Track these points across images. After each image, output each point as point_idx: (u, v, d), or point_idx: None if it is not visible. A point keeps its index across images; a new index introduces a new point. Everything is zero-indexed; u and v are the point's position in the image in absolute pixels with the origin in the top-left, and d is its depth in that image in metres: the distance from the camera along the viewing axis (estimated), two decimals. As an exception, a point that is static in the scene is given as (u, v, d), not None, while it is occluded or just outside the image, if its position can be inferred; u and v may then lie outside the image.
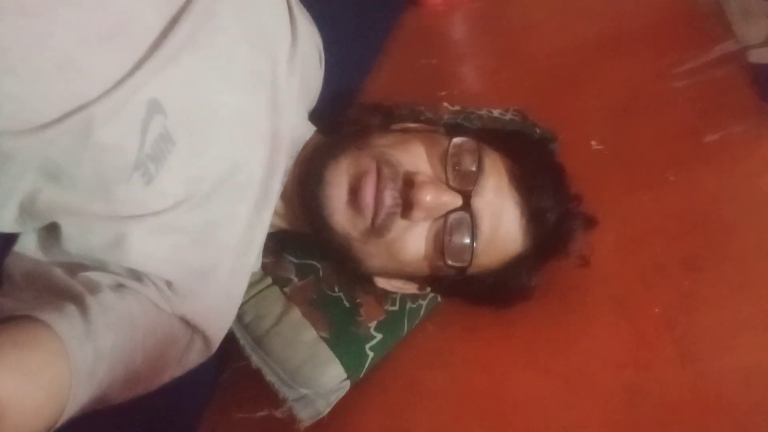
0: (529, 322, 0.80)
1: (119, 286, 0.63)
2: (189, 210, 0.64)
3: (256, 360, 0.77)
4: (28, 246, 0.61)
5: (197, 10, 0.61)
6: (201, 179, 0.65)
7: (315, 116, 0.84)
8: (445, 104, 1.02)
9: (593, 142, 0.98)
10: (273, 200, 0.72)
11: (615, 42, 1.04)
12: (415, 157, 0.71)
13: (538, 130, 0.97)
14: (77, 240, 0.60)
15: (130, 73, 0.56)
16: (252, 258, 0.72)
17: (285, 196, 0.74)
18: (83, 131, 0.55)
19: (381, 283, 0.78)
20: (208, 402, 0.79)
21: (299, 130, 0.75)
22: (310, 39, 0.80)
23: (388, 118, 0.96)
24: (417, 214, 0.68)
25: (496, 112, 1.02)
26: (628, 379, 0.71)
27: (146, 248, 0.62)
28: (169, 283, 0.64)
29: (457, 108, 1.02)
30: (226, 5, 0.65)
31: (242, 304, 0.75)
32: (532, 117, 0.99)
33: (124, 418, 0.65)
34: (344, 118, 0.96)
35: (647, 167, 0.91)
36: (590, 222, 0.78)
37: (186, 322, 0.66)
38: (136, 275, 0.63)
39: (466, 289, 0.78)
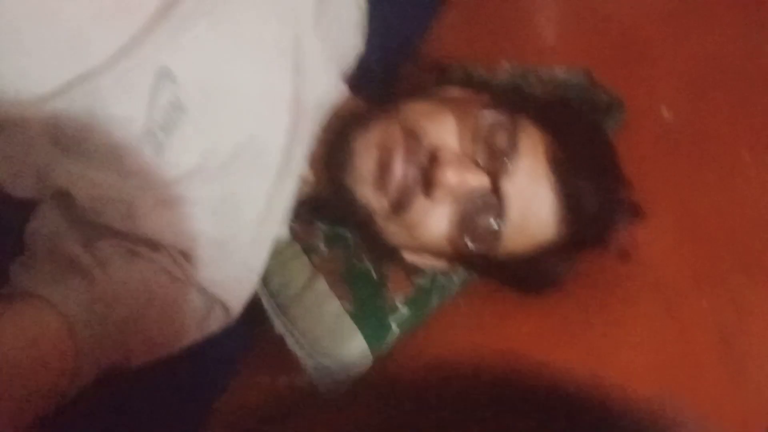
0: (564, 316, 0.75)
1: (133, 254, 0.63)
2: (204, 181, 0.63)
3: (279, 326, 0.76)
4: (48, 214, 0.62)
5: None
6: (215, 149, 0.63)
7: (361, 77, 0.81)
8: (504, 62, 0.95)
9: (664, 110, 0.89)
10: (296, 169, 0.70)
11: (702, 10, 0.93)
12: (444, 130, 0.67)
13: (604, 96, 0.90)
14: (92, 210, 0.60)
15: (138, 41, 0.55)
16: (274, 228, 0.71)
17: (313, 163, 0.72)
18: (90, 101, 0.55)
19: (408, 256, 0.75)
20: (233, 371, 0.80)
21: (328, 95, 0.72)
22: (344, 6, 0.75)
23: (441, 77, 0.92)
24: (438, 193, 0.64)
25: (559, 71, 0.94)
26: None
27: (160, 219, 0.62)
28: (184, 254, 0.64)
29: (516, 66, 0.95)
30: None
31: (268, 270, 0.74)
32: (600, 79, 0.91)
33: (148, 381, 0.67)
34: (395, 76, 0.93)
35: (720, 142, 0.82)
36: (637, 213, 0.72)
37: (204, 291, 0.66)
38: (152, 244, 0.63)
39: (492, 271, 0.74)
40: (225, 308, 0.68)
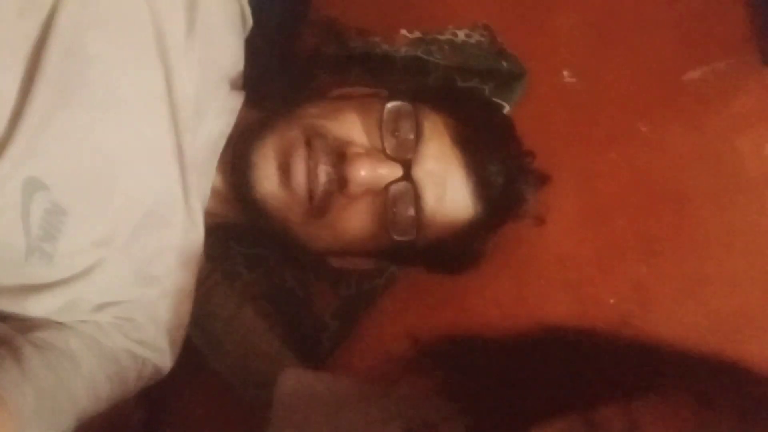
0: (482, 294, 0.79)
1: (56, 323, 0.61)
2: (109, 266, 0.60)
3: (211, 358, 0.77)
4: None
5: (55, 54, 0.53)
6: (112, 236, 0.60)
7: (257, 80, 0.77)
8: (403, 32, 0.92)
9: (566, 73, 0.90)
10: (198, 215, 0.68)
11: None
12: (348, 127, 0.66)
13: (504, 63, 0.89)
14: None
15: None
16: (191, 278, 0.70)
17: (219, 194, 0.70)
18: None
19: (335, 262, 0.76)
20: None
21: (220, 121, 0.69)
22: (220, 7, 0.70)
23: (341, 46, 0.89)
24: (353, 189, 0.64)
25: (461, 33, 0.93)
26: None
27: (79, 308, 0.60)
28: (115, 321, 0.63)
29: (416, 35, 0.93)
30: (93, 30, 0.56)
31: (193, 305, 0.74)
32: (500, 38, 0.90)
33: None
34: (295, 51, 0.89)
35: (620, 113, 0.84)
36: (543, 179, 0.75)
37: (132, 354, 0.66)
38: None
39: (418, 260, 0.76)
40: (155, 366, 0.68)
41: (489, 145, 0.69)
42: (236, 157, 0.67)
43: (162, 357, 0.67)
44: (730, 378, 0.48)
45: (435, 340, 0.74)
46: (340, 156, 0.64)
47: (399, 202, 0.66)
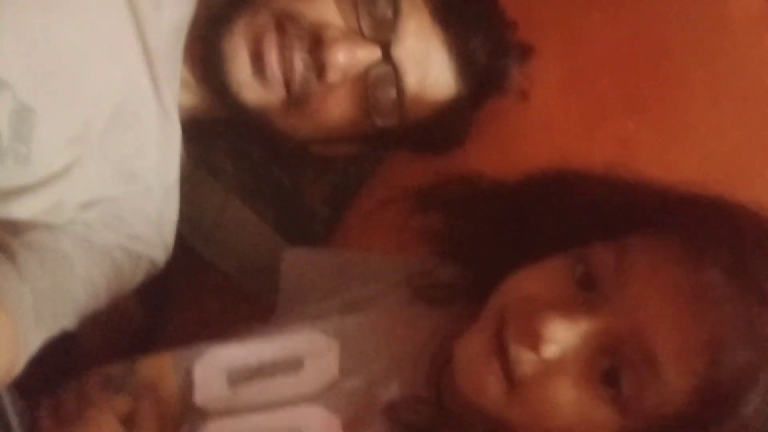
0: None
1: (45, 225, 0.60)
2: (88, 164, 0.59)
3: (206, 254, 0.77)
4: None
5: None
6: (85, 132, 0.59)
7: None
8: None
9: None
10: (172, 107, 0.66)
11: None
12: (322, 7, 0.64)
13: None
14: None
15: None
16: (173, 172, 0.69)
17: (190, 87, 0.68)
18: None
19: (319, 150, 0.75)
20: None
21: (177, 11, 0.66)
22: None
23: None
24: (332, 75, 0.63)
25: None
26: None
27: (68, 204, 0.59)
28: (103, 218, 0.63)
29: None
30: None
31: (180, 205, 0.73)
32: None
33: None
34: None
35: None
36: (527, 52, 0.72)
37: (125, 249, 0.66)
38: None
39: (403, 142, 0.75)
40: (150, 260, 0.68)
41: (470, 19, 0.66)
42: (205, 47, 0.65)
43: (155, 251, 0.67)
44: (720, 215, 0.48)
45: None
46: (316, 41, 0.62)
47: (380, 85, 0.64)
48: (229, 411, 0.56)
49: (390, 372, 0.55)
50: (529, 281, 0.50)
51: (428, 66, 0.65)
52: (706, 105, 0.70)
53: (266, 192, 0.77)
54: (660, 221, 0.48)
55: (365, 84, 0.64)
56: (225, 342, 0.59)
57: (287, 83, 0.62)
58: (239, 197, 0.76)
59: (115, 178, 0.63)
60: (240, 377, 0.57)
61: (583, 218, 0.52)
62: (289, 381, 0.56)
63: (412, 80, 0.65)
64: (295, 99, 0.63)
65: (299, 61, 0.62)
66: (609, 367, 0.44)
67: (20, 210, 0.58)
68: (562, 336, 0.44)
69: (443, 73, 0.67)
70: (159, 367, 0.59)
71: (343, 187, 0.79)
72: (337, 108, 0.65)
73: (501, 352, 0.46)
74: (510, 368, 0.46)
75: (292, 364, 0.57)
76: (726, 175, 0.65)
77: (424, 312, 0.59)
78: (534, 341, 0.44)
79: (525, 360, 0.45)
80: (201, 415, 0.55)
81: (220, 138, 0.76)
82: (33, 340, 0.54)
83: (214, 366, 0.58)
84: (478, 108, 0.73)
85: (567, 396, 0.45)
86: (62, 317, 0.58)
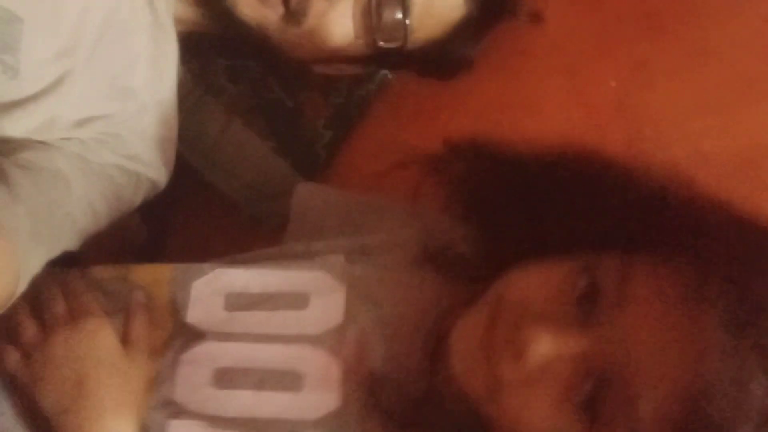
0: (478, 95, 0.76)
1: (39, 144, 0.59)
2: (78, 79, 0.57)
3: (208, 175, 0.76)
4: None
5: None
6: (74, 44, 0.57)
7: None
8: None
9: None
10: (167, 19, 0.63)
11: None
12: None
13: None
14: None
15: None
16: (169, 89, 0.67)
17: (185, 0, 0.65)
18: None
19: (320, 69, 0.73)
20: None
21: None
22: None
23: None
24: None
25: None
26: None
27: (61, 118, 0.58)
28: (99, 137, 0.61)
29: None
30: None
31: (180, 125, 0.72)
32: None
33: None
34: None
35: None
36: None
37: (124, 168, 0.65)
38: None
39: (408, 64, 0.73)
40: (150, 180, 0.67)
41: None
42: None
43: (155, 171, 0.65)
44: (743, 256, 0.44)
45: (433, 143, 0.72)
46: None
47: (384, 4, 0.61)
48: (225, 335, 0.55)
49: (387, 332, 0.54)
50: (532, 282, 0.48)
51: None
52: (723, 26, 0.68)
53: (268, 113, 0.75)
54: (678, 244, 0.44)
55: (369, 2, 0.61)
56: (228, 264, 0.58)
57: None
58: (240, 117, 0.73)
59: (109, 94, 0.61)
60: (239, 303, 0.56)
61: (603, 215, 0.49)
62: (291, 317, 0.55)
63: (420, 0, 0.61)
64: (293, 15, 0.61)
65: None
66: (591, 391, 0.43)
67: (11, 127, 0.56)
68: (547, 352, 0.43)
69: None
70: (153, 277, 0.58)
71: (347, 110, 0.77)
72: (337, 26, 0.63)
73: (489, 349, 0.46)
74: (496, 376, 0.45)
75: (296, 300, 0.55)
76: (740, 99, 0.64)
77: (429, 277, 0.56)
78: (518, 351, 0.44)
79: (507, 367, 0.44)
80: (195, 333, 0.55)
81: (221, 56, 0.74)
82: (33, 260, 0.53)
83: (213, 287, 0.57)
84: (487, 30, 0.70)
85: (543, 411, 0.44)
86: (62, 237, 0.57)
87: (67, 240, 0.58)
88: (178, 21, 0.65)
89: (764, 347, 0.40)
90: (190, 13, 0.66)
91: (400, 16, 0.62)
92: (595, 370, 0.43)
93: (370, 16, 0.62)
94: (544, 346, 0.43)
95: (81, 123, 0.61)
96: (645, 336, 0.42)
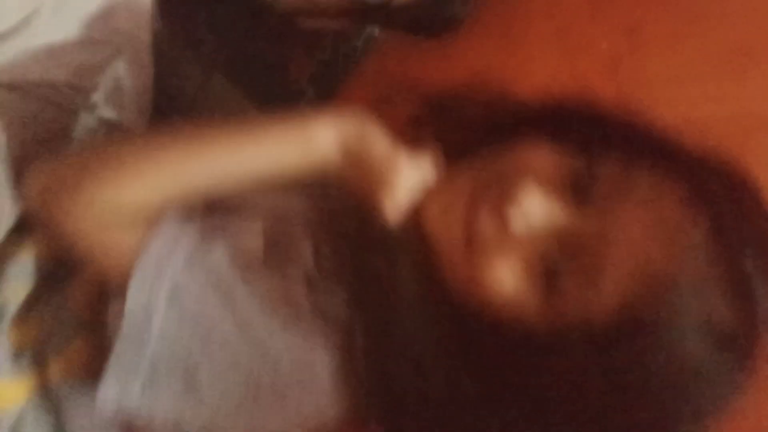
0: (468, 57, 0.75)
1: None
2: (48, 19, 0.56)
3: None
4: None
5: None
6: None
7: None
8: None
9: None
10: None
11: None
12: None
13: None
14: None
15: None
16: (146, 41, 0.64)
17: None
18: None
19: (306, 23, 0.70)
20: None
21: None
22: None
23: None
24: None
25: None
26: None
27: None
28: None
29: None
30: None
31: (158, 76, 0.68)
32: None
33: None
34: None
35: None
36: None
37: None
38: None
39: (397, 20, 0.71)
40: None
41: None
42: None
43: (132, 122, 0.63)
44: (731, 182, 0.45)
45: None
46: None
47: None
48: None
49: None
50: (538, 153, 0.48)
51: None
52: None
53: (250, 67, 0.72)
54: (679, 169, 0.45)
55: None
56: None
57: None
58: (221, 72, 0.71)
59: (81, 42, 0.58)
60: None
61: (605, 128, 0.50)
62: None
63: None
64: None
65: None
66: (559, 263, 0.44)
67: None
68: (534, 212, 0.44)
69: None
70: None
71: (332, 66, 0.75)
72: None
73: (475, 200, 0.46)
74: (473, 227, 0.45)
75: None
76: (735, 67, 0.63)
77: None
78: (505, 211, 0.44)
79: (488, 221, 0.45)
80: None
81: (201, 7, 0.70)
82: None
83: None
84: None
85: (508, 274, 0.45)
86: None
87: None
88: None
89: (735, 273, 0.42)
90: None
91: None
92: (571, 249, 0.43)
93: None
94: (535, 205, 0.44)
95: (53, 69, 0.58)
96: (631, 228, 0.43)
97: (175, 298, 0.45)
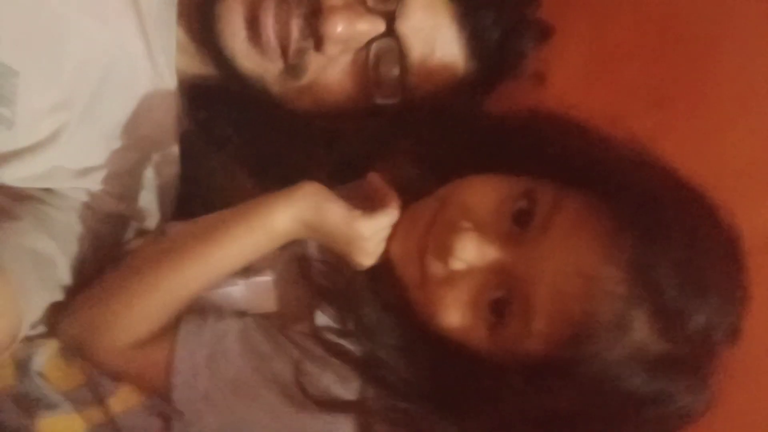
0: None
1: (47, 191, 0.61)
2: (75, 130, 0.59)
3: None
4: None
5: None
6: (71, 97, 0.58)
7: None
8: None
9: None
10: (168, 75, 0.64)
11: None
12: None
13: None
14: None
15: None
16: (172, 143, 0.67)
17: (187, 50, 0.65)
18: None
19: (320, 122, 0.72)
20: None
21: None
22: None
23: None
24: (329, 48, 0.60)
25: None
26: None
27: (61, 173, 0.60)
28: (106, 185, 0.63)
29: None
30: None
31: (185, 172, 0.72)
32: None
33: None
34: None
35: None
36: (546, 32, 0.68)
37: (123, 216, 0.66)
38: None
39: (406, 122, 0.73)
40: (138, 229, 0.67)
41: None
42: (200, 10, 0.62)
43: (149, 221, 0.67)
44: (666, 213, 0.48)
45: None
46: (315, 9, 0.59)
47: (382, 61, 0.62)
48: None
49: None
50: (476, 191, 0.55)
51: (435, 42, 0.63)
52: (738, 106, 0.67)
53: (270, 163, 0.74)
54: (607, 192, 0.49)
55: (366, 58, 0.61)
56: None
57: (283, 50, 0.60)
58: (245, 169, 0.73)
59: (108, 145, 0.62)
60: None
61: (545, 151, 0.54)
62: None
63: (417, 57, 0.62)
64: (291, 68, 0.61)
65: (296, 27, 0.59)
66: (500, 298, 0.50)
67: (9, 176, 0.57)
68: (470, 257, 0.51)
69: (451, 50, 0.64)
70: None
71: (348, 165, 0.76)
72: (336, 82, 0.63)
73: (424, 245, 0.54)
74: (424, 269, 0.53)
75: None
76: (748, 186, 0.63)
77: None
78: (445, 254, 0.51)
79: (435, 264, 0.53)
80: None
81: (223, 106, 0.73)
82: (35, 303, 0.55)
83: None
84: (489, 91, 0.69)
85: (456, 308, 0.52)
86: (63, 280, 0.59)
87: (67, 282, 0.59)
88: (181, 73, 0.66)
89: (657, 301, 0.45)
90: (194, 64, 0.67)
91: (397, 73, 0.62)
92: (507, 283, 0.50)
93: (367, 70, 0.62)
94: (469, 253, 0.51)
95: (84, 173, 0.62)
96: (555, 262, 0.48)
97: (209, 400, 0.54)
